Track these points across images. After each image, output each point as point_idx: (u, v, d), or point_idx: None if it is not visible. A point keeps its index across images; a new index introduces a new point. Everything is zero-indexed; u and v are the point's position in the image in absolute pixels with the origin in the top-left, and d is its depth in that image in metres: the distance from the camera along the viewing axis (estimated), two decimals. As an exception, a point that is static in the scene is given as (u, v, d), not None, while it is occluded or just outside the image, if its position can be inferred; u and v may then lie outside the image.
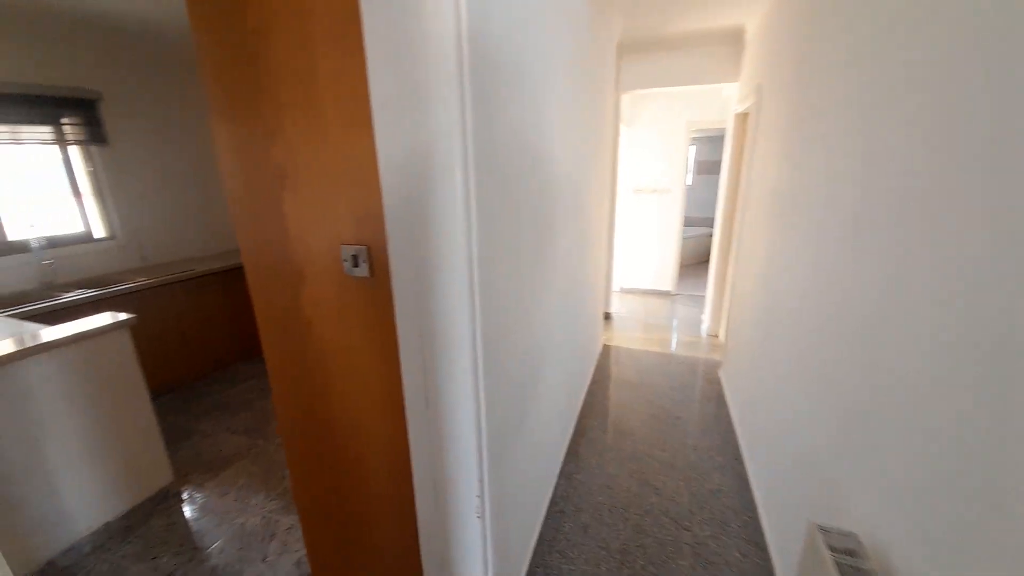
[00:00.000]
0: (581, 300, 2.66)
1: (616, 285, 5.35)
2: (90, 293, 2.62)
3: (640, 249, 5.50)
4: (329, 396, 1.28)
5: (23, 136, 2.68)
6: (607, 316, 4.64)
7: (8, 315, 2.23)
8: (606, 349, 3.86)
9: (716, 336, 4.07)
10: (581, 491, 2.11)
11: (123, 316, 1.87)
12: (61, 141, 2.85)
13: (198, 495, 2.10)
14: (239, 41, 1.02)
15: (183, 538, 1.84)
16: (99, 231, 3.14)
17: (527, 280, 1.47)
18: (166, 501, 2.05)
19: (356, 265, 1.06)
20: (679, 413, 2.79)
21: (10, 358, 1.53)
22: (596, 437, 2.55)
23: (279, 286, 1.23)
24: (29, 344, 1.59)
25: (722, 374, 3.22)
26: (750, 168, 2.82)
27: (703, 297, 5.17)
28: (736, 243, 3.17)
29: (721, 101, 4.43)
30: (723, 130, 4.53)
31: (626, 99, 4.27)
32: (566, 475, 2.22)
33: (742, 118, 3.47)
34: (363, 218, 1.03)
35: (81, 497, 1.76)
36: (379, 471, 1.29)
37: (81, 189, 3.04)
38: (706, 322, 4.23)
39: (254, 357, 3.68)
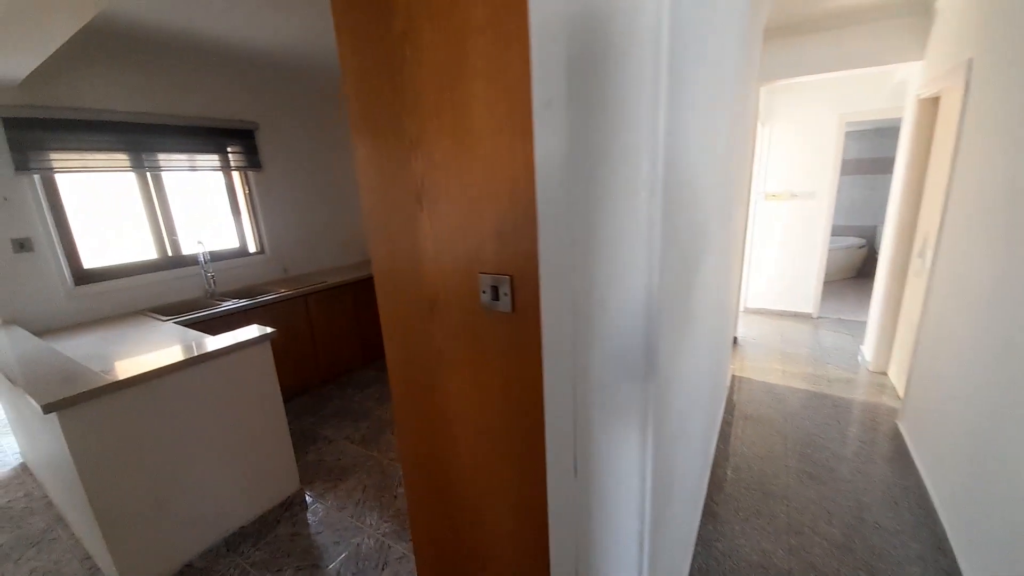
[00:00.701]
0: (720, 326, 2.27)
1: (741, 304, 4.71)
2: (242, 303, 2.92)
3: (772, 263, 4.78)
4: (455, 438, 1.14)
5: (198, 163, 3.10)
6: (733, 341, 4.06)
7: (176, 322, 2.54)
8: (735, 380, 3.34)
9: (884, 374, 3.30)
10: (725, 566, 1.74)
11: (267, 330, 1.98)
12: (226, 167, 3.25)
13: (319, 506, 2.15)
14: (384, 49, 0.93)
15: (305, 552, 1.86)
16: (251, 246, 3.53)
17: (682, 309, 1.20)
18: (292, 509, 2.13)
19: (496, 297, 0.90)
20: (846, 474, 2.23)
21: (178, 367, 1.66)
22: (736, 494, 2.13)
23: (409, 311, 1.12)
24: (194, 354, 1.72)
25: (904, 427, 2.54)
26: (951, 165, 2.19)
27: (857, 323, 4.31)
28: (926, 260, 2.50)
29: (890, 87, 3.65)
30: (882, 122, 3.73)
31: (762, 92, 3.73)
32: (705, 541, 1.86)
33: (929, 104, 2.78)
34: (508, 243, 0.87)
35: (220, 501, 1.88)
36: (506, 533, 1.11)
37: (240, 209, 3.45)
38: (867, 355, 3.46)
39: (376, 360, 3.85)
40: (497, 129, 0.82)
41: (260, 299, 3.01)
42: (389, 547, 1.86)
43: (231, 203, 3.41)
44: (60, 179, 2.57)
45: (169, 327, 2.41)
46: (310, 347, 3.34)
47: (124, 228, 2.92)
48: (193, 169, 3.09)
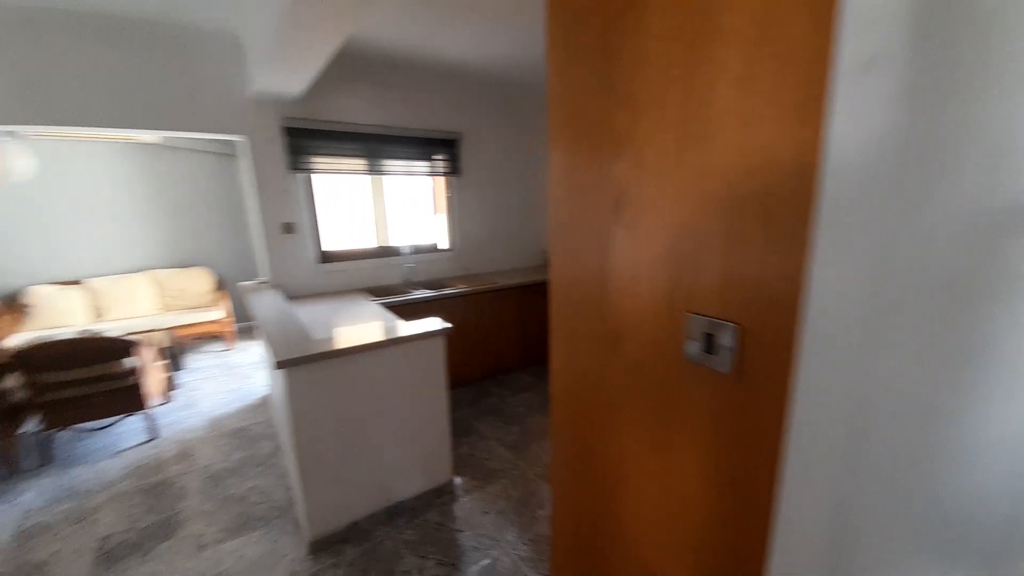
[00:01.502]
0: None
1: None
2: (428, 294, 3.23)
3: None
4: (619, 500, 0.94)
5: (413, 169, 3.56)
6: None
7: (380, 304, 2.94)
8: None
9: None
10: None
11: (445, 325, 2.09)
12: (433, 172, 3.66)
13: (466, 501, 2.19)
14: (599, 26, 0.79)
15: (447, 546, 1.90)
16: (443, 244, 3.92)
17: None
18: (442, 497, 2.22)
19: (710, 349, 0.67)
20: None
21: (375, 346, 1.87)
22: None
23: (584, 344, 0.97)
24: (388, 336, 1.92)
25: None
26: None
27: None
28: None
29: None
30: None
31: None
32: None
33: None
34: (742, 278, 0.63)
35: (389, 473, 2.05)
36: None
37: (438, 210, 3.85)
38: None
39: (532, 366, 3.89)
40: (753, 115, 0.59)
41: (443, 292, 3.29)
42: (524, 574, 1.76)
43: (433, 204, 3.83)
44: (316, 179, 3.24)
45: (374, 307, 2.80)
46: (477, 342, 3.52)
47: (355, 221, 3.55)
48: (409, 174, 3.56)
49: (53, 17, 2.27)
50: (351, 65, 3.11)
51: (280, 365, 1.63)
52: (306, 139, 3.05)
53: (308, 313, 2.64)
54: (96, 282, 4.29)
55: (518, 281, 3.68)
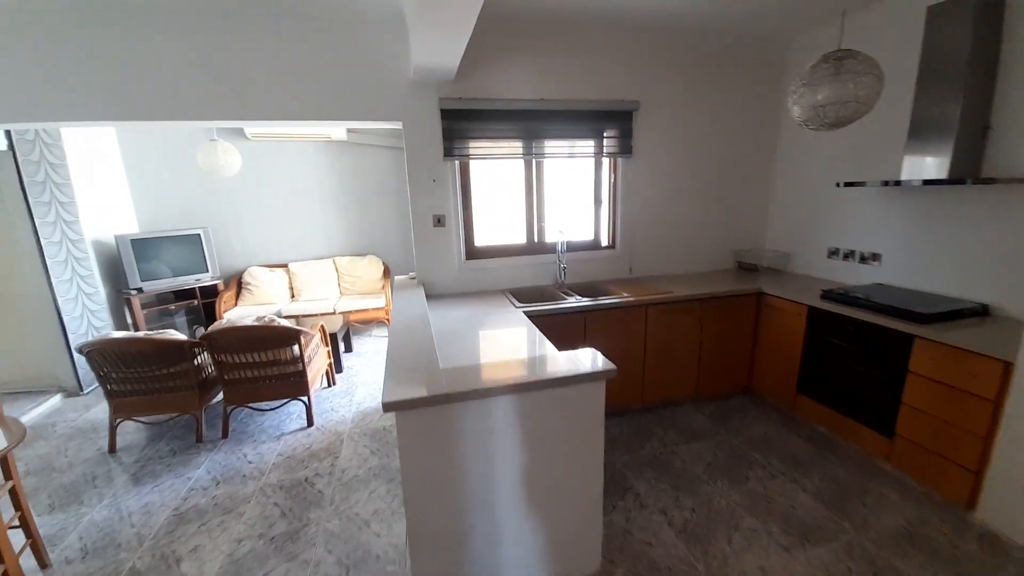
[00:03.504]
0: None
1: None
2: (584, 302, 2.63)
3: None
4: None
5: (576, 150, 2.98)
6: None
7: (526, 312, 2.45)
8: None
9: None
10: None
11: (608, 365, 1.47)
12: (598, 153, 3.02)
13: (618, 614, 1.55)
14: None
15: None
16: (603, 240, 3.26)
17: None
18: (586, 596, 1.62)
19: None
20: None
21: (512, 388, 1.35)
22: None
23: None
24: (536, 377, 1.38)
25: None
26: None
27: None
28: None
29: None
30: None
31: None
32: None
33: None
34: None
35: (515, 554, 1.54)
36: None
37: (601, 199, 3.21)
38: None
39: (709, 403, 2.99)
40: None
41: (601, 300, 2.65)
42: None
43: (595, 192, 3.19)
44: (470, 167, 2.91)
45: (519, 316, 2.34)
46: (639, 364, 2.79)
47: (505, 213, 3.15)
48: (571, 156, 2.99)
49: (247, 14, 2.34)
50: (509, 30, 2.65)
51: (388, 408, 1.23)
52: (461, 121, 2.72)
53: (445, 320, 2.30)
54: (294, 266, 4.89)
55: (700, 291, 2.80)
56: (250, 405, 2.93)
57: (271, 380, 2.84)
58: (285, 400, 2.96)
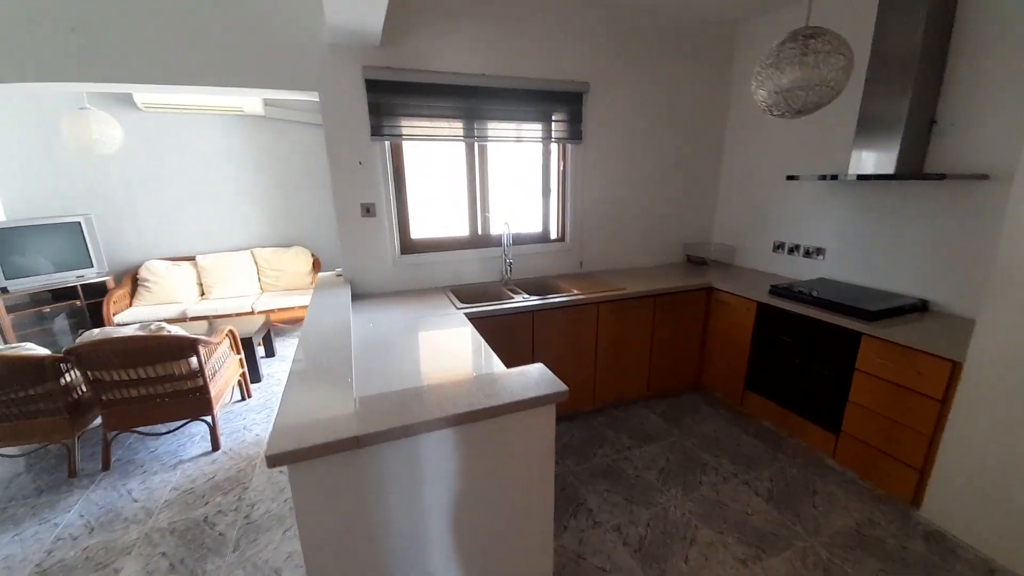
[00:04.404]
0: None
1: None
2: (532, 301, 2.40)
3: None
4: None
5: (523, 134, 2.72)
6: None
7: (468, 314, 2.19)
8: None
9: None
10: None
11: (560, 387, 1.24)
12: (546, 138, 2.78)
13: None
14: None
15: None
16: (552, 232, 3.05)
17: None
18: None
19: None
20: None
21: (450, 420, 1.08)
22: None
23: None
24: (472, 407, 1.11)
25: None
26: None
27: None
28: None
29: None
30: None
31: None
32: None
33: None
34: None
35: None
36: None
37: (550, 189, 2.98)
38: None
39: (660, 401, 2.89)
40: None
41: (550, 299, 2.44)
42: None
43: (543, 181, 2.97)
44: (404, 150, 2.57)
45: (460, 319, 2.07)
46: (591, 365, 2.63)
47: (445, 202, 2.84)
48: (517, 140, 2.73)
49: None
50: (445, -9, 2.33)
51: (274, 462, 0.92)
52: (391, 95, 2.37)
53: (372, 326, 1.99)
54: (203, 259, 4.27)
55: (652, 287, 2.67)
56: (137, 430, 2.45)
57: (164, 399, 2.38)
58: (184, 421, 2.50)
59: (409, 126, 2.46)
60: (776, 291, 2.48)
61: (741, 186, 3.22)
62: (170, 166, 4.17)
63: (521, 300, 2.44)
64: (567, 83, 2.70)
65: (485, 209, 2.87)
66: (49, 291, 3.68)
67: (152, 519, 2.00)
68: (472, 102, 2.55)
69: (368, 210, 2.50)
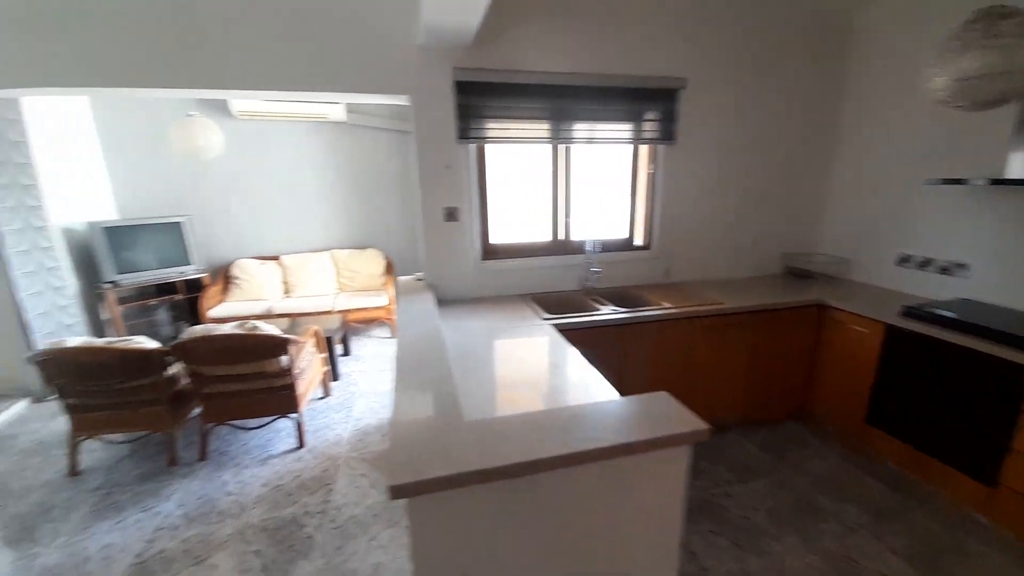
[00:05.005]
0: None
1: None
2: (620, 313, 2.24)
3: None
4: None
5: (612, 134, 2.55)
6: None
7: (555, 325, 2.07)
8: None
9: None
10: None
11: (699, 425, 1.06)
12: (637, 139, 2.60)
13: None
14: None
15: None
16: (638, 239, 2.86)
17: None
18: None
19: None
20: None
21: (564, 460, 0.94)
22: None
23: None
24: (588, 445, 0.98)
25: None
26: None
27: None
28: None
29: None
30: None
31: None
32: None
33: None
34: None
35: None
36: None
37: (637, 192, 2.80)
38: None
39: (763, 427, 2.60)
40: None
41: (642, 312, 2.26)
42: None
43: (632, 184, 2.79)
44: (489, 152, 2.50)
45: (549, 331, 1.95)
46: (682, 386, 2.40)
47: (524, 206, 2.75)
48: (605, 141, 2.57)
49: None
50: (541, -13, 2.23)
51: (398, 493, 0.84)
52: (479, 96, 2.30)
53: (462, 336, 1.92)
54: (288, 259, 4.48)
55: (754, 303, 2.41)
56: (232, 423, 2.55)
57: (256, 395, 2.46)
58: (273, 417, 2.58)
59: (495, 128, 2.38)
60: (912, 313, 2.13)
61: (856, 192, 2.85)
62: (260, 170, 4.42)
63: (609, 312, 2.28)
64: (662, 79, 2.51)
65: (567, 214, 2.74)
66: (154, 285, 3.99)
67: (245, 514, 2.05)
68: (560, 102, 2.43)
69: (451, 214, 2.45)
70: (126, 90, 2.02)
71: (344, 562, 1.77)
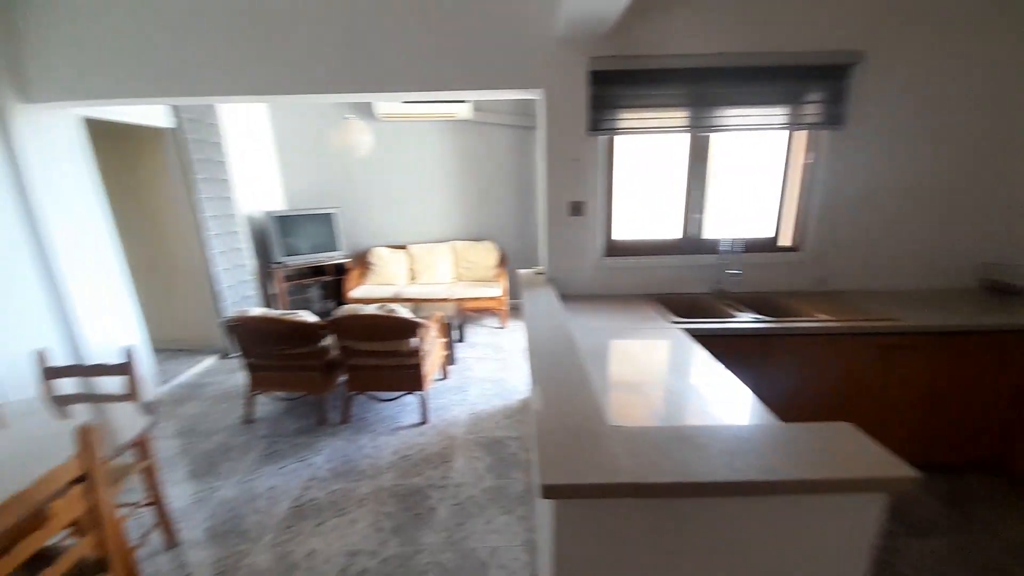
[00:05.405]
0: None
1: None
2: (764, 322, 2.00)
3: None
4: None
5: (762, 120, 2.27)
6: None
7: (687, 330, 1.91)
8: None
9: None
10: None
11: (904, 471, 0.88)
12: (793, 124, 2.28)
13: None
14: None
15: None
16: (784, 239, 2.53)
17: None
18: None
19: None
20: None
21: (737, 488, 0.84)
22: None
23: None
24: (765, 476, 0.86)
25: None
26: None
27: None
28: None
29: None
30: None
31: None
32: None
33: None
34: None
35: None
36: None
37: (787, 185, 2.47)
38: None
39: (951, 473, 2.14)
40: None
41: (791, 323, 1.98)
42: None
43: (783, 176, 2.47)
44: (618, 144, 2.40)
45: (679, 335, 1.82)
46: (839, 415, 2.08)
47: (650, 201, 2.60)
48: (754, 128, 2.30)
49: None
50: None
51: (550, 493, 0.84)
52: (614, 86, 2.21)
53: (587, 334, 1.87)
54: (414, 248, 4.87)
55: (938, 323, 1.97)
56: (369, 393, 2.85)
57: (390, 370, 2.72)
58: (402, 393, 2.82)
59: (628, 118, 2.27)
60: None
61: (1112, 184, 2.16)
62: (395, 167, 4.85)
63: (750, 320, 2.05)
64: (831, 54, 2.16)
65: (699, 209, 2.52)
66: (309, 267, 4.63)
67: (379, 477, 2.28)
68: (703, 87, 2.22)
69: (576, 208, 2.41)
70: (305, 96, 2.34)
71: (464, 539, 1.86)
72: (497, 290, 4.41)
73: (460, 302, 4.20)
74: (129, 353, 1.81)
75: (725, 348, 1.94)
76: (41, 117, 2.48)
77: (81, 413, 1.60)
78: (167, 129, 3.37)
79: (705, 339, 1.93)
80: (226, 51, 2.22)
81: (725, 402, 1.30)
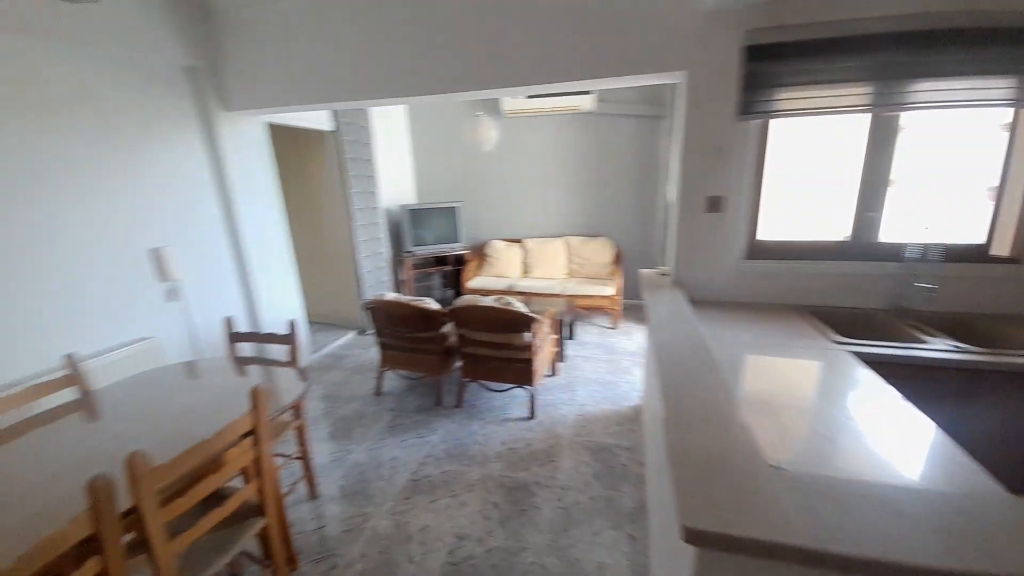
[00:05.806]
0: None
1: None
2: (968, 352, 1.55)
3: None
4: None
5: (980, 96, 1.77)
6: None
7: (856, 353, 1.57)
8: None
9: None
10: None
11: None
12: (1020, 100, 1.73)
13: None
14: None
15: None
16: (1001, 247, 1.95)
17: None
18: None
19: None
20: None
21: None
22: None
23: None
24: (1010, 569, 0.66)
25: None
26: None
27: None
28: None
29: None
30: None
31: None
32: None
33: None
34: None
35: None
36: None
37: (1009, 179, 1.90)
38: None
39: None
40: None
41: (1009, 356, 1.51)
42: None
43: (1003, 167, 1.90)
44: (773, 126, 2.08)
45: (846, 359, 1.51)
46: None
47: (815, 195, 2.20)
48: (962, 104, 1.80)
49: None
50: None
51: (693, 538, 0.72)
52: (773, 61, 1.91)
53: (724, 347, 1.65)
54: (529, 242, 4.90)
55: None
56: (482, 382, 2.94)
57: (502, 362, 2.76)
58: (512, 386, 2.86)
59: (791, 98, 1.94)
60: None
61: None
62: (516, 162, 4.93)
63: (949, 348, 1.61)
64: (1113, -4, 1.57)
65: (874, 207, 2.07)
66: (433, 257, 4.96)
67: (488, 465, 2.33)
68: (893, 55, 1.80)
69: (714, 204, 2.15)
70: (445, 96, 2.48)
71: (570, 547, 1.80)
72: (610, 289, 4.22)
73: (572, 299, 4.12)
74: (292, 325, 2.10)
75: (907, 380, 1.57)
76: (237, 123, 3.00)
77: (254, 374, 1.89)
78: (329, 131, 3.86)
79: (879, 366, 1.57)
80: (385, 59, 2.45)
81: (918, 455, 1.02)
